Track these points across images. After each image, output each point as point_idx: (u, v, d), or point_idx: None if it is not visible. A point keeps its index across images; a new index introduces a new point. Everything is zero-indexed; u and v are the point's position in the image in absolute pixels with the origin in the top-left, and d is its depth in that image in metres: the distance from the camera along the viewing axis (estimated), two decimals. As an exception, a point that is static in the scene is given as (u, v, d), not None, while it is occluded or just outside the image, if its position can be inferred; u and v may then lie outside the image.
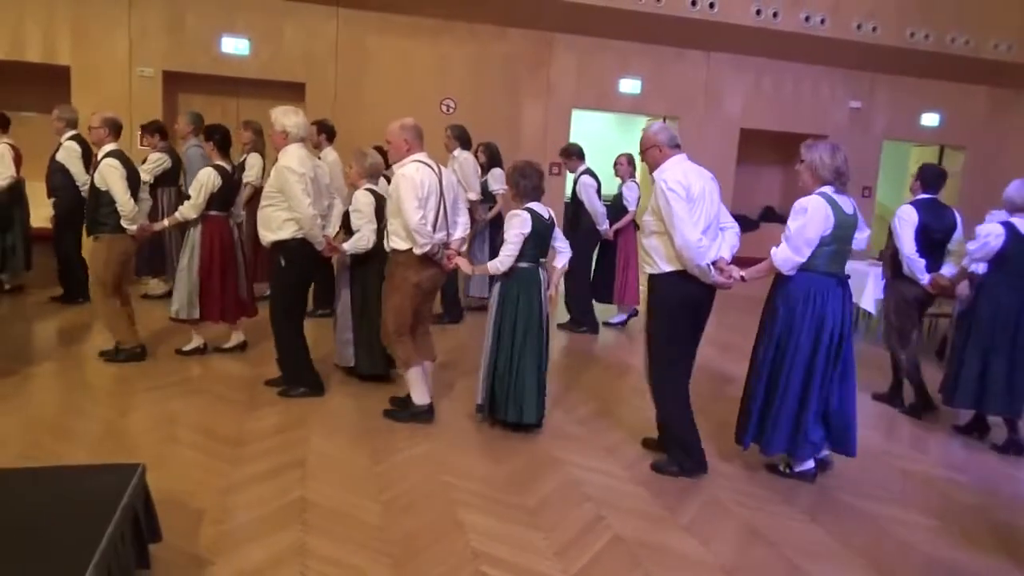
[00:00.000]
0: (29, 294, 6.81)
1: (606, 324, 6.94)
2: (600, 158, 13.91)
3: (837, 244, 3.62)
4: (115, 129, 5.02)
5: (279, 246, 4.43)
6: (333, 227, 4.81)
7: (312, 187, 4.42)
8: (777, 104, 9.60)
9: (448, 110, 8.45)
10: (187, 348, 5.35)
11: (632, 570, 2.95)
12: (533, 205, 4.14)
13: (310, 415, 4.37)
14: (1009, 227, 4.44)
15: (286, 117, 4.41)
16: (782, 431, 3.74)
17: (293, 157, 4.37)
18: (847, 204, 3.65)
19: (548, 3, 8.43)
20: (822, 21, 8.82)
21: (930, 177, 4.98)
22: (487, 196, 6.64)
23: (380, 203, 4.70)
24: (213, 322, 5.34)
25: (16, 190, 6.50)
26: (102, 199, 4.86)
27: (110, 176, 4.81)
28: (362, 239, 4.65)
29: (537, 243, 4.13)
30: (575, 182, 6.67)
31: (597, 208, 6.51)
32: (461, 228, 4.41)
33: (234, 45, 7.89)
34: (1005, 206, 4.57)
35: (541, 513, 3.38)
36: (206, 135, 5.32)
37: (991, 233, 4.45)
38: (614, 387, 5.40)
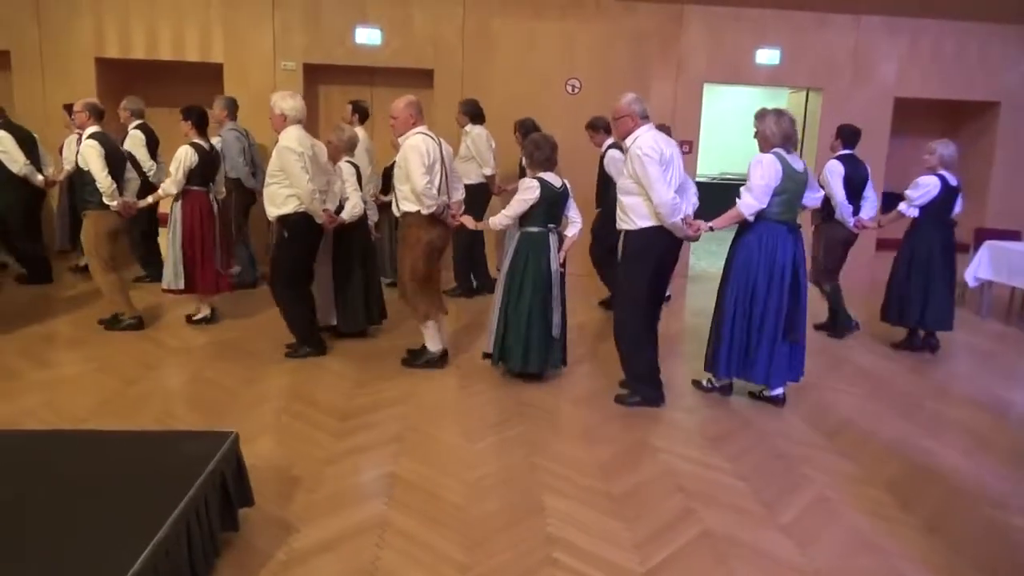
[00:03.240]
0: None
1: None
2: (742, 136, 13.05)
3: (787, 195, 4.21)
4: (96, 113, 5.42)
5: (283, 220, 4.79)
6: (333, 201, 5.09)
7: (311, 165, 4.75)
8: (938, 69, 8.64)
9: (573, 90, 8.32)
10: (196, 317, 5.76)
11: (714, 569, 2.79)
12: (545, 175, 4.51)
13: (414, 393, 4.49)
14: (942, 179, 5.50)
15: (284, 101, 4.76)
16: (758, 363, 4.33)
17: (292, 138, 4.69)
18: (797, 163, 4.26)
19: (678, -26, 8.10)
20: (995, -28, 7.86)
21: (849, 135, 6.00)
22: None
23: (359, 173, 5.31)
24: (201, 294, 5.65)
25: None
26: (86, 178, 5.26)
27: (89, 156, 5.18)
28: (356, 207, 5.18)
29: (547, 210, 4.52)
30: (602, 156, 6.47)
31: None
32: (458, 192, 4.90)
33: (367, 35, 8.18)
34: (934, 163, 5.53)
35: (628, 502, 3.28)
36: (184, 115, 5.61)
37: (930, 184, 5.50)
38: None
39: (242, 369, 4.82)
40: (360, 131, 6.64)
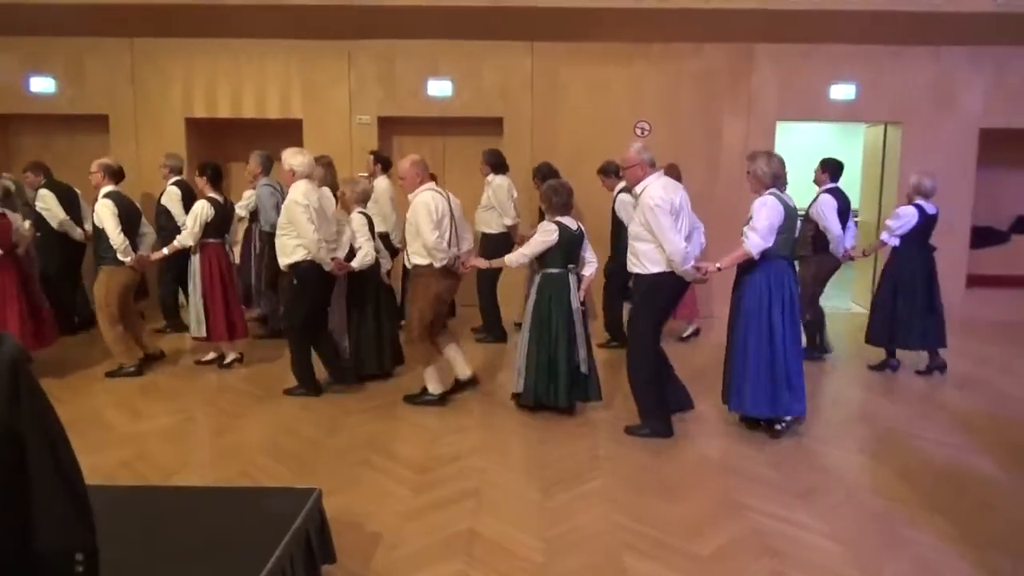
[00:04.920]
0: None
1: (681, 339, 7.05)
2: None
3: (787, 233, 4.41)
4: (111, 174, 5.69)
5: (292, 268, 5.09)
6: (343, 250, 5.35)
7: (317, 216, 5.03)
8: (1027, 98, 8.31)
9: (643, 133, 8.30)
10: (204, 359, 6.06)
11: (809, 639, 2.65)
12: (562, 219, 4.75)
13: (490, 445, 4.48)
14: (919, 208, 5.84)
15: (293, 158, 5.07)
16: (796, 394, 4.46)
17: (300, 191, 5.00)
18: (790, 200, 4.44)
19: (747, 13, 8.03)
20: (1085, -4, 7.51)
21: (834, 169, 6.30)
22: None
23: (371, 223, 5.52)
24: (221, 340, 5.87)
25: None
26: (101, 235, 5.52)
27: (104, 215, 5.46)
28: (367, 256, 5.36)
29: (565, 252, 4.76)
30: (614, 200, 6.54)
31: None
32: (467, 243, 5.21)
33: (439, 88, 8.39)
34: (913, 193, 5.92)
35: (713, 564, 3.16)
36: (199, 171, 5.82)
37: (909, 214, 5.84)
38: (815, 420, 4.91)
39: (321, 418, 4.92)
40: (384, 180, 6.81)
